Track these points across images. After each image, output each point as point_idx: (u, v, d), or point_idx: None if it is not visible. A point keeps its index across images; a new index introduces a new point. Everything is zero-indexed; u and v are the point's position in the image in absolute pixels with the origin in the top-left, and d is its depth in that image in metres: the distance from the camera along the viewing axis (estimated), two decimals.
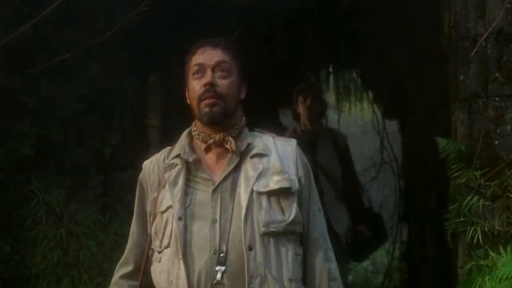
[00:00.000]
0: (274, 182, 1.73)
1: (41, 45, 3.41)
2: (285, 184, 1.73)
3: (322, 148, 3.92)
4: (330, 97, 7.14)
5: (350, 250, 3.92)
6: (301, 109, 4.05)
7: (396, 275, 6.19)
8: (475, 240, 2.65)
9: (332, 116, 6.94)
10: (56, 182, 3.43)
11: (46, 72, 3.33)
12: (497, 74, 2.95)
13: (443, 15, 3.43)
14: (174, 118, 4.19)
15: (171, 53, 4.03)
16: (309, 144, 3.84)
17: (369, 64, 5.82)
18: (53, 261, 3.26)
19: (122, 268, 1.87)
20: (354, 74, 7.12)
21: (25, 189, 3.37)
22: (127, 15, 3.02)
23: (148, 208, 1.82)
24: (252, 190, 1.71)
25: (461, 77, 3.14)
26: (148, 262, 1.79)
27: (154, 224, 1.76)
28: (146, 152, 3.94)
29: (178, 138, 3.89)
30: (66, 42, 3.38)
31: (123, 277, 1.86)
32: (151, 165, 1.85)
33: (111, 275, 3.27)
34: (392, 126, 6.38)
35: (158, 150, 4.16)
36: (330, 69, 6.67)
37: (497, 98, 2.95)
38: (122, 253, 3.39)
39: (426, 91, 4.59)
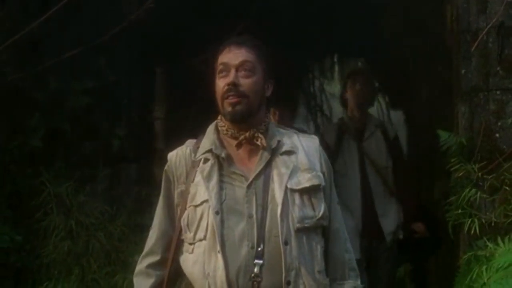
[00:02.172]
0: (305, 180, 1.83)
1: (50, 41, 3.52)
2: (315, 181, 1.84)
3: (370, 137, 3.75)
4: (335, 86, 7.19)
5: (400, 248, 3.71)
6: (349, 94, 3.87)
7: (401, 266, 6.24)
8: (472, 232, 2.75)
9: (337, 106, 7.00)
10: (65, 175, 3.55)
11: (54, 68, 3.43)
12: (498, 68, 3.02)
13: (445, 9, 3.49)
14: (179, 110, 4.29)
15: (176, 45, 4.14)
16: (356, 132, 3.75)
17: (374, 54, 5.88)
18: (64, 251, 3.39)
19: (148, 258, 1.93)
20: (359, 64, 7.14)
21: (36, 181, 3.48)
22: (134, 11, 3.12)
23: (176, 200, 1.89)
24: (286, 187, 1.80)
25: (463, 71, 3.22)
26: (176, 252, 1.86)
27: (185, 216, 1.84)
28: (152, 145, 4.07)
29: (183, 129, 3.99)
30: (74, 38, 3.48)
31: (149, 266, 1.92)
32: (177, 158, 1.91)
33: (119, 264, 3.44)
34: (399, 116, 6.42)
35: (164, 141, 4.27)
36: (335, 59, 6.71)
37: (498, 92, 3.02)
38: (130, 243, 3.53)
39: (432, 82, 4.65)
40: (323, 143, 3.98)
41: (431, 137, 3.34)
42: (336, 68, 6.99)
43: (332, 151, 3.65)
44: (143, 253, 1.96)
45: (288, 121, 4.19)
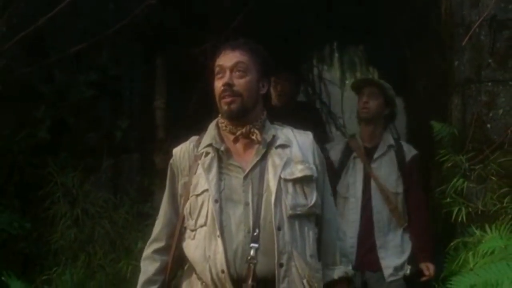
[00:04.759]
0: (298, 171, 2.04)
1: (55, 37, 3.70)
2: (308, 172, 2.05)
3: (380, 158, 3.33)
4: (334, 74, 7.34)
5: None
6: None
7: None
8: (459, 220, 2.95)
9: (336, 93, 7.15)
10: (71, 165, 3.74)
11: (60, 62, 3.62)
12: (490, 60, 3.19)
13: (440, 2, 3.64)
14: (179, 100, 4.45)
15: (176, 36, 4.29)
16: (365, 151, 3.33)
17: (373, 42, 6.01)
18: (70, 238, 3.58)
19: (154, 244, 2.14)
20: (360, 48, 7.24)
21: (43, 171, 3.68)
22: (136, 7, 3.29)
23: (179, 191, 2.11)
24: (280, 177, 2.01)
25: (456, 63, 3.39)
26: (179, 238, 2.08)
27: (187, 205, 2.05)
28: (153, 135, 4.24)
29: (183, 119, 4.17)
30: (78, 33, 3.66)
31: (155, 252, 2.13)
32: (181, 152, 2.13)
33: (124, 251, 3.65)
34: (399, 104, 6.54)
35: (164, 131, 4.43)
36: (334, 46, 6.83)
37: (489, 83, 3.20)
38: (133, 231, 3.73)
39: (429, 73, 4.77)
40: (328, 160, 3.16)
41: (429, 126, 3.43)
42: (336, 55, 7.13)
43: (336, 170, 3.34)
44: (150, 239, 2.17)
45: (291, 96, 4.16)
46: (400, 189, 3.28)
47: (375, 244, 3.24)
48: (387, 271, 3.20)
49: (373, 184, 3.28)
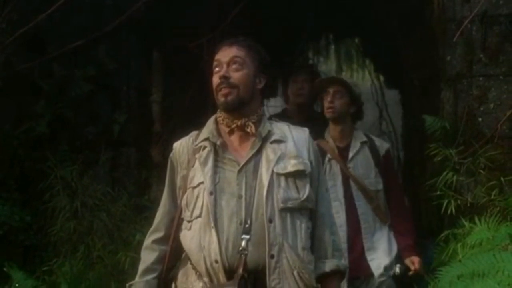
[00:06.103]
0: (291, 165, 2.12)
1: (54, 33, 3.79)
2: (300, 167, 2.13)
3: (356, 156, 3.27)
4: (331, 65, 7.40)
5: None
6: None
7: None
8: (448, 212, 3.05)
9: None
10: (70, 159, 3.84)
11: (58, 57, 3.70)
12: (481, 55, 3.29)
13: None
14: (175, 93, 4.53)
15: (172, 31, 4.37)
16: (338, 151, 3.26)
17: (369, 34, 6.08)
18: (70, 230, 3.68)
19: (154, 234, 2.24)
20: (356, 40, 7.30)
21: (42, 165, 3.78)
22: (133, 3, 3.37)
23: (178, 183, 2.21)
24: (272, 172, 2.09)
25: (448, 58, 3.49)
26: (177, 229, 2.18)
27: (185, 197, 2.15)
28: (150, 129, 4.32)
29: (179, 112, 4.23)
30: (77, 29, 3.74)
31: (154, 241, 2.23)
32: (181, 147, 2.23)
33: (122, 243, 3.75)
34: (395, 96, 6.63)
35: (161, 124, 4.50)
36: (330, 38, 6.87)
37: (481, 78, 3.30)
38: (131, 223, 3.83)
39: (424, 66, 4.84)
40: None
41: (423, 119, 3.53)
42: (332, 47, 7.18)
43: None
44: (150, 230, 2.27)
45: (307, 99, 3.85)
46: (380, 186, 3.24)
47: (363, 248, 3.20)
48: (378, 271, 3.15)
49: (352, 184, 3.23)
